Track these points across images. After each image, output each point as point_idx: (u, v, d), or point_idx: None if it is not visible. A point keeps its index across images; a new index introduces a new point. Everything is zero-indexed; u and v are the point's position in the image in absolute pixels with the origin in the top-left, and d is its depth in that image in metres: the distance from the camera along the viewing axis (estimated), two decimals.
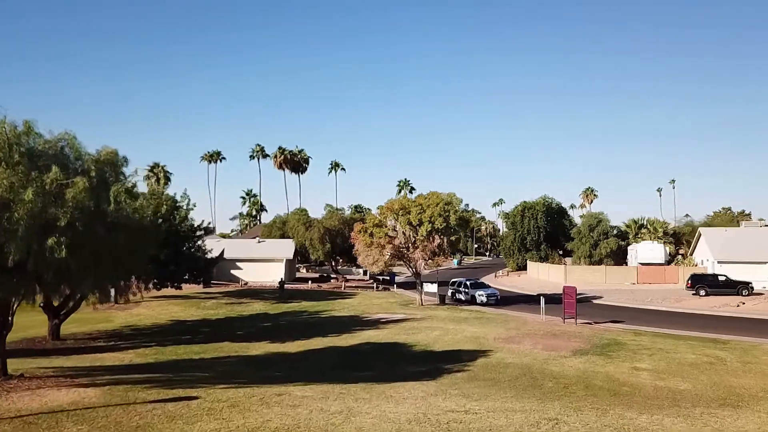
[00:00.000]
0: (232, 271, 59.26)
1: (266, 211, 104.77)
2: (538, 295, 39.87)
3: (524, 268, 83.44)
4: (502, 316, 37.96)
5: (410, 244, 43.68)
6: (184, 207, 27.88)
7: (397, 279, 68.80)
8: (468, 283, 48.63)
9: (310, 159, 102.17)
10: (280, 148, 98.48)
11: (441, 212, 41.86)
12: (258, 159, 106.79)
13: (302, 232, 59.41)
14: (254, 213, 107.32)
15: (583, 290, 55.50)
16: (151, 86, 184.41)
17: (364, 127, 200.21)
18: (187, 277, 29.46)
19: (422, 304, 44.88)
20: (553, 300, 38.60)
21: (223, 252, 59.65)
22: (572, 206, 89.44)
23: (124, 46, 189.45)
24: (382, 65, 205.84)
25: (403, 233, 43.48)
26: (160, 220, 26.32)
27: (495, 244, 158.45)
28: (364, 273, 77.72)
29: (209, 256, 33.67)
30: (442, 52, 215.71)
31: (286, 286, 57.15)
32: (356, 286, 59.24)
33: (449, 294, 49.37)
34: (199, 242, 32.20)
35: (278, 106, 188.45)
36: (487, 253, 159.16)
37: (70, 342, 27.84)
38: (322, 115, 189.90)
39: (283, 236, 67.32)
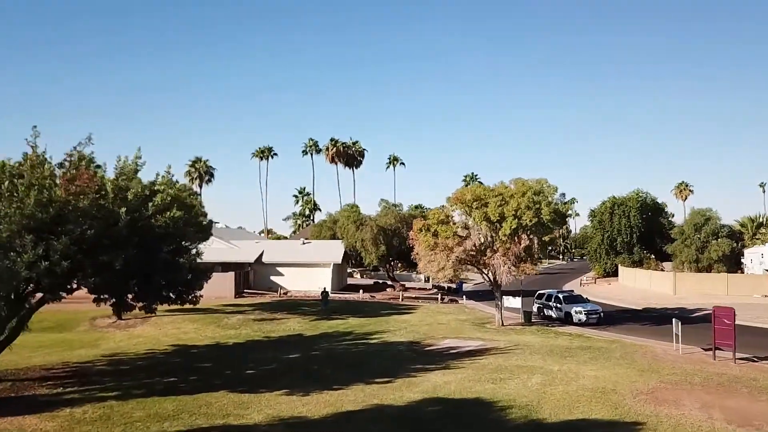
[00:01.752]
0: (273, 278, 50.68)
1: (320, 210, 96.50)
2: (644, 310, 29.49)
3: (613, 274, 71.73)
4: (617, 344, 27.47)
5: (488, 247, 33.57)
6: (166, 191, 19.25)
7: (465, 287, 58.59)
8: (560, 296, 38.05)
9: (365, 152, 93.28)
10: (332, 139, 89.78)
11: (530, 204, 31.60)
12: (311, 154, 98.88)
13: (353, 231, 50.23)
14: (307, 212, 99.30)
15: (698, 304, 44.01)
16: (200, 78, 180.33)
17: (425, 119, 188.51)
18: (168, 294, 20.43)
19: (503, 325, 34.70)
20: (664, 318, 27.50)
21: (261, 255, 51.15)
22: (663, 204, 76.34)
23: (171, 36, 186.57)
24: (445, 52, 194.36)
25: (479, 232, 33.39)
26: (123, 210, 17.24)
27: (569, 246, 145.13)
28: (426, 280, 67.90)
29: (199, 259, 24.49)
30: (506, 37, 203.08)
31: (332, 296, 48.09)
32: (416, 297, 49.49)
33: (534, 309, 39.00)
34: (193, 246, 23.08)
35: (332, 97, 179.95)
36: (561, 257, 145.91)
37: None
38: (378, 106, 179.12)
39: (333, 237, 58.43)
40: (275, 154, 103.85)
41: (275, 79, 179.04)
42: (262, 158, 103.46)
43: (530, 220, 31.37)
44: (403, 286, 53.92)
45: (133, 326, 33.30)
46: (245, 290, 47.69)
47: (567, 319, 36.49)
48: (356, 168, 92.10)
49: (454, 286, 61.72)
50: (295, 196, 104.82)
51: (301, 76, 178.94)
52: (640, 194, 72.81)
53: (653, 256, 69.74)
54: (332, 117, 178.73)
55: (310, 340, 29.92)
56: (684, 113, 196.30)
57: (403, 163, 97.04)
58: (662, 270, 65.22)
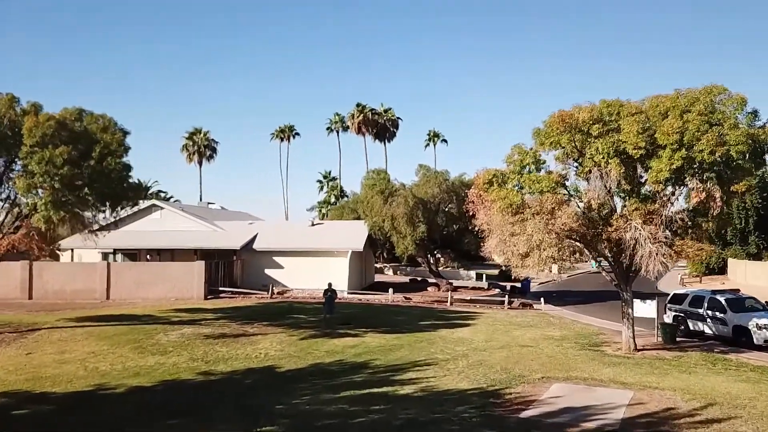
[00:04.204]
0: (267, 271, 36.35)
1: (347, 197, 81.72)
2: None
3: (719, 270, 55.75)
4: None
5: (612, 210, 18.61)
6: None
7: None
8: (722, 300, 22.67)
9: (399, 121, 77.75)
10: (358, 105, 73.88)
11: (705, 122, 16.51)
12: (337, 132, 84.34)
13: (379, 205, 35.25)
14: (333, 200, 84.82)
15: None
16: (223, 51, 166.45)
17: (473, 88, 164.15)
18: None
19: (636, 349, 19.65)
20: None
21: (253, 239, 36.90)
22: None
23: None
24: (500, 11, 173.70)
25: (602, 180, 18.22)
26: None
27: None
28: (478, 277, 52.71)
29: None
30: None
31: (348, 296, 33.51)
32: (471, 300, 34.44)
33: (667, 318, 24.11)
34: None
35: (361, 65, 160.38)
36: None
37: None
38: (415, 73, 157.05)
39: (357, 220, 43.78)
40: (297, 133, 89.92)
41: (298, 49, 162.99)
42: (282, 139, 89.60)
43: (710, 152, 16.18)
44: (451, 284, 39.04)
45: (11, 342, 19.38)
46: (223, 288, 33.43)
47: (737, 338, 21.41)
48: (388, 141, 76.88)
49: (518, 284, 46.49)
50: (320, 182, 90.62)
51: (323, 42, 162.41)
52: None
53: None
54: (361, 89, 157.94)
55: (282, 385, 15.33)
56: None
57: (445, 140, 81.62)
58: None
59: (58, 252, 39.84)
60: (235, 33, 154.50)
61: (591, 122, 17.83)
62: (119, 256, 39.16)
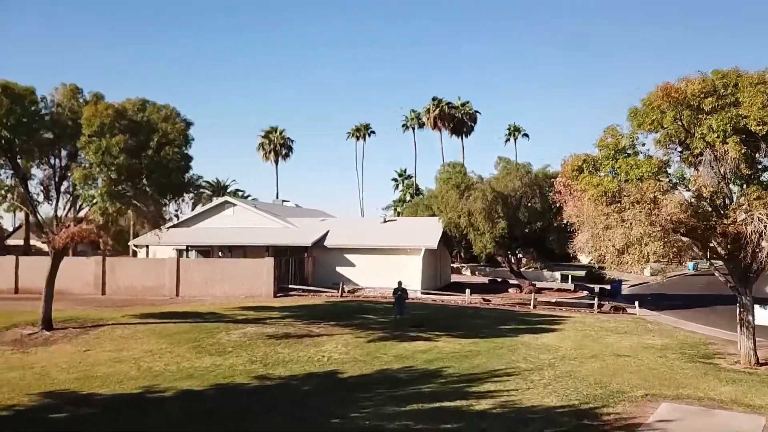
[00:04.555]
0: (339, 269, 35.10)
1: (422, 194, 79.78)
2: None
3: None
4: None
5: (747, 197, 15.81)
6: None
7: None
8: None
9: (477, 115, 75.01)
10: (434, 99, 71.88)
11: None
12: (413, 129, 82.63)
13: (454, 200, 33.30)
14: (408, 198, 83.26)
15: None
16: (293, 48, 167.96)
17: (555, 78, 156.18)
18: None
19: (758, 362, 16.76)
20: None
21: (324, 236, 35.84)
22: None
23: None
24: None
25: (717, 164, 15.48)
26: None
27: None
28: (563, 278, 49.54)
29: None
30: None
31: (422, 296, 31.68)
32: (556, 303, 31.75)
33: None
34: None
35: (437, 59, 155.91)
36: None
37: None
38: (494, 61, 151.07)
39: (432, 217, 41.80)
40: (372, 132, 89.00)
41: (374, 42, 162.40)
42: (358, 138, 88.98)
43: None
44: (534, 285, 36.39)
45: (54, 342, 18.92)
46: (293, 286, 32.40)
47: None
48: (466, 136, 74.26)
49: (608, 286, 43.19)
50: (395, 180, 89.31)
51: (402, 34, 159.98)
52: None
53: None
54: (439, 87, 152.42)
55: (343, 393, 13.69)
56: None
57: (526, 135, 78.06)
58: None
59: (135, 248, 40.34)
60: (316, 28, 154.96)
61: (702, 95, 15.18)
62: (192, 253, 39.11)
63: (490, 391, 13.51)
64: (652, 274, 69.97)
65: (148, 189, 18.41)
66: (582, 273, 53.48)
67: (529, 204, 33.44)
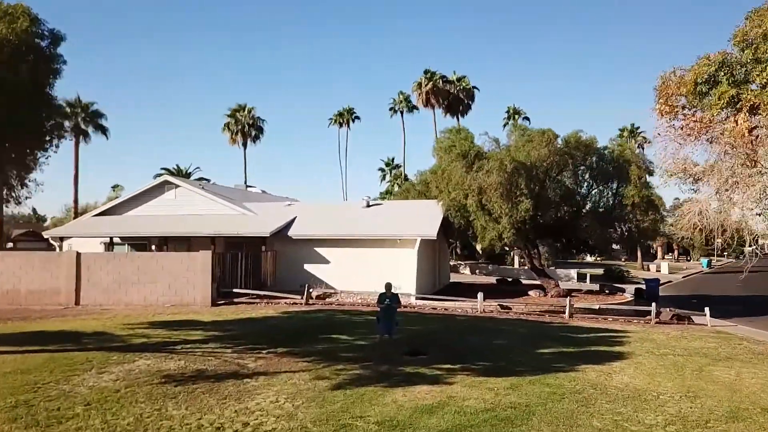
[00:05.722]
0: (308, 267, 26.98)
1: (417, 177, 71.86)
2: None
3: None
4: None
5: None
6: None
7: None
8: None
9: (474, 92, 66.70)
10: (426, 72, 63.06)
11: None
12: (401, 114, 74.65)
13: (460, 174, 25.30)
14: (395, 189, 75.51)
15: None
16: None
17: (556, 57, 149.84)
18: None
19: None
20: None
21: (289, 225, 27.82)
22: None
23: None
24: None
25: None
26: None
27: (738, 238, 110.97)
28: (579, 278, 41.96)
29: None
30: None
31: (420, 303, 23.64)
32: (599, 309, 23.82)
33: None
34: None
35: (432, 34, 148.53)
36: (725, 253, 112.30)
37: None
38: (490, 40, 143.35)
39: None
40: (357, 117, 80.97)
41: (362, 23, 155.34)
42: (341, 124, 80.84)
43: None
44: (557, 285, 28.43)
45: None
46: (242, 290, 24.14)
47: None
48: (462, 116, 65.73)
49: (642, 285, 35.36)
50: (381, 170, 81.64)
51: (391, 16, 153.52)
52: None
53: None
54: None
55: None
56: None
57: (527, 118, 70.12)
58: None
59: (52, 242, 31.95)
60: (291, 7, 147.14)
61: None
62: (125, 247, 30.87)
63: None
64: (670, 272, 62.80)
65: None
66: (599, 271, 45.88)
67: (559, 178, 25.45)
